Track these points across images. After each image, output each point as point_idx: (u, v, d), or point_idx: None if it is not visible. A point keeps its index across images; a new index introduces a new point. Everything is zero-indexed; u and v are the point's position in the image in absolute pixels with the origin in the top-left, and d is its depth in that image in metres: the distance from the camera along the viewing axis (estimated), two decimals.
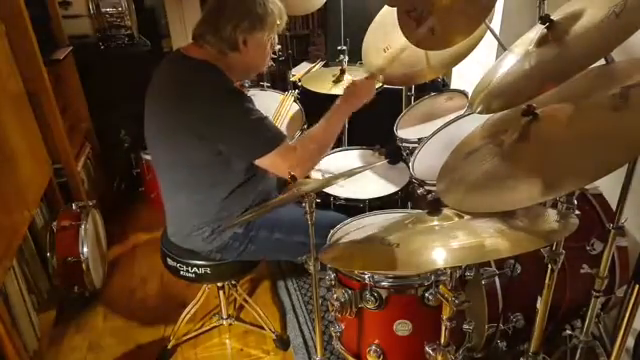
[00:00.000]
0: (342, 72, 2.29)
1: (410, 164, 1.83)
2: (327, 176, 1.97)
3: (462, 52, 1.74)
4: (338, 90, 2.22)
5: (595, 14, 0.98)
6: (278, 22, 1.56)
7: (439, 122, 1.94)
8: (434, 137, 1.88)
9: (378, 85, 1.89)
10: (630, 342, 1.49)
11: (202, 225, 1.62)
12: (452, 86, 2.64)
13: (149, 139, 1.64)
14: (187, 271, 1.70)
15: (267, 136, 1.51)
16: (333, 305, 1.35)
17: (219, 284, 1.92)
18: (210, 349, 2.03)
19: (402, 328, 1.32)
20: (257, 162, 1.52)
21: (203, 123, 1.47)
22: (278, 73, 3.17)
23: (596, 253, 1.50)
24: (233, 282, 1.99)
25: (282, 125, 2.20)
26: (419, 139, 1.92)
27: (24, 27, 2.10)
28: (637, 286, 1.11)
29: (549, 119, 1.02)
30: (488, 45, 1.80)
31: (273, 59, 2.62)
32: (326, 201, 1.95)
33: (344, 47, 2.28)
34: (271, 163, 1.52)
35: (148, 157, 2.74)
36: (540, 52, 1.08)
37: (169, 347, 1.97)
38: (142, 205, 2.98)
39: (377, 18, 2.09)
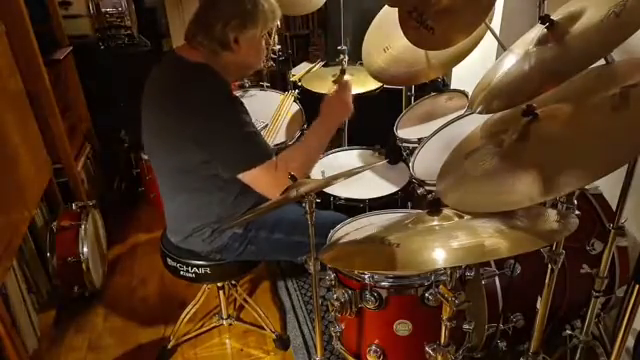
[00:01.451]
0: (342, 72, 2.29)
1: (410, 164, 1.83)
2: (327, 176, 1.97)
3: (462, 52, 1.74)
4: None
5: (595, 14, 0.98)
6: (270, 18, 1.53)
7: (439, 122, 1.94)
8: (434, 137, 1.88)
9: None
10: (630, 342, 1.50)
11: (202, 226, 1.62)
12: (452, 86, 2.63)
13: (147, 142, 1.64)
14: (187, 271, 1.70)
15: (254, 152, 1.48)
16: (333, 305, 1.35)
17: (219, 284, 1.92)
18: (210, 349, 2.03)
19: (402, 328, 1.32)
20: (239, 176, 1.49)
21: (197, 127, 1.45)
22: (278, 73, 3.17)
23: (596, 253, 1.50)
24: (233, 282, 1.99)
25: (282, 125, 2.20)
26: (419, 139, 1.92)
27: (24, 27, 2.10)
28: (637, 286, 1.11)
29: (549, 119, 1.02)
30: (488, 45, 1.79)
31: (273, 59, 2.63)
32: (326, 201, 1.95)
33: (344, 47, 2.28)
34: (252, 179, 1.49)
35: (148, 157, 2.74)
36: (540, 52, 1.08)
37: (169, 347, 1.97)
38: (142, 205, 2.98)
39: (377, 18, 2.09)
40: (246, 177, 1.49)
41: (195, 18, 1.52)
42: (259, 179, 1.49)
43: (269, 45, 1.62)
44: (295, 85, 2.58)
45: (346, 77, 1.75)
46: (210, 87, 1.47)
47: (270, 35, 1.59)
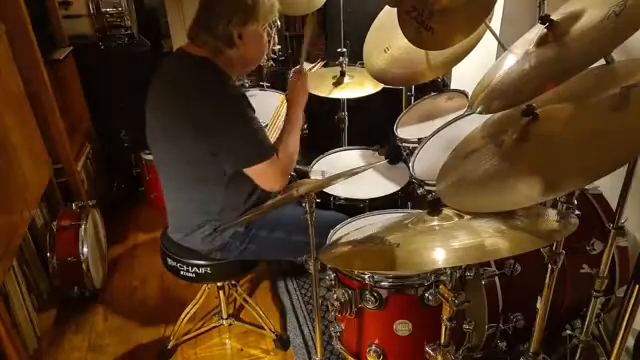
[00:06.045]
0: (342, 74, 2.28)
1: (410, 164, 1.83)
2: (327, 176, 1.97)
3: (462, 52, 1.74)
4: (338, 93, 2.22)
5: (595, 14, 0.98)
6: (270, 11, 1.54)
7: (439, 122, 1.94)
8: (434, 137, 1.88)
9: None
10: (630, 342, 1.50)
11: (203, 223, 1.62)
12: (452, 86, 2.63)
13: (151, 137, 1.64)
14: (187, 271, 1.70)
15: (263, 146, 1.51)
16: (333, 305, 1.35)
17: (219, 284, 1.92)
18: (210, 349, 2.03)
19: (402, 328, 1.32)
20: (246, 170, 1.52)
21: (204, 121, 1.46)
22: (278, 73, 3.17)
23: (596, 253, 1.50)
24: (233, 282, 1.99)
25: (282, 125, 2.20)
26: (419, 139, 1.92)
27: (24, 27, 2.10)
28: (637, 286, 1.11)
29: (549, 119, 1.02)
30: (488, 45, 1.79)
31: (273, 59, 2.62)
32: (326, 201, 1.95)
33: (344, 49, 2.27)
34: (258, 173, 1.53)
35: (148, 157, 2.74)
36: (540, 52, 1.08)
37: (169, 347, 1.97)
38: (142, 205, 2.98)
39: (378, 19, 2.09)
40: (251, 171, 1.52)
41: (197, 18, 1.53)
42: (268, 173, 1.53)
43: (271, 38, 1.62)
44: None
45: (305, 66, 1.77)
46: (215, 82, 1.49)
47: (272, 29, 1.59)
